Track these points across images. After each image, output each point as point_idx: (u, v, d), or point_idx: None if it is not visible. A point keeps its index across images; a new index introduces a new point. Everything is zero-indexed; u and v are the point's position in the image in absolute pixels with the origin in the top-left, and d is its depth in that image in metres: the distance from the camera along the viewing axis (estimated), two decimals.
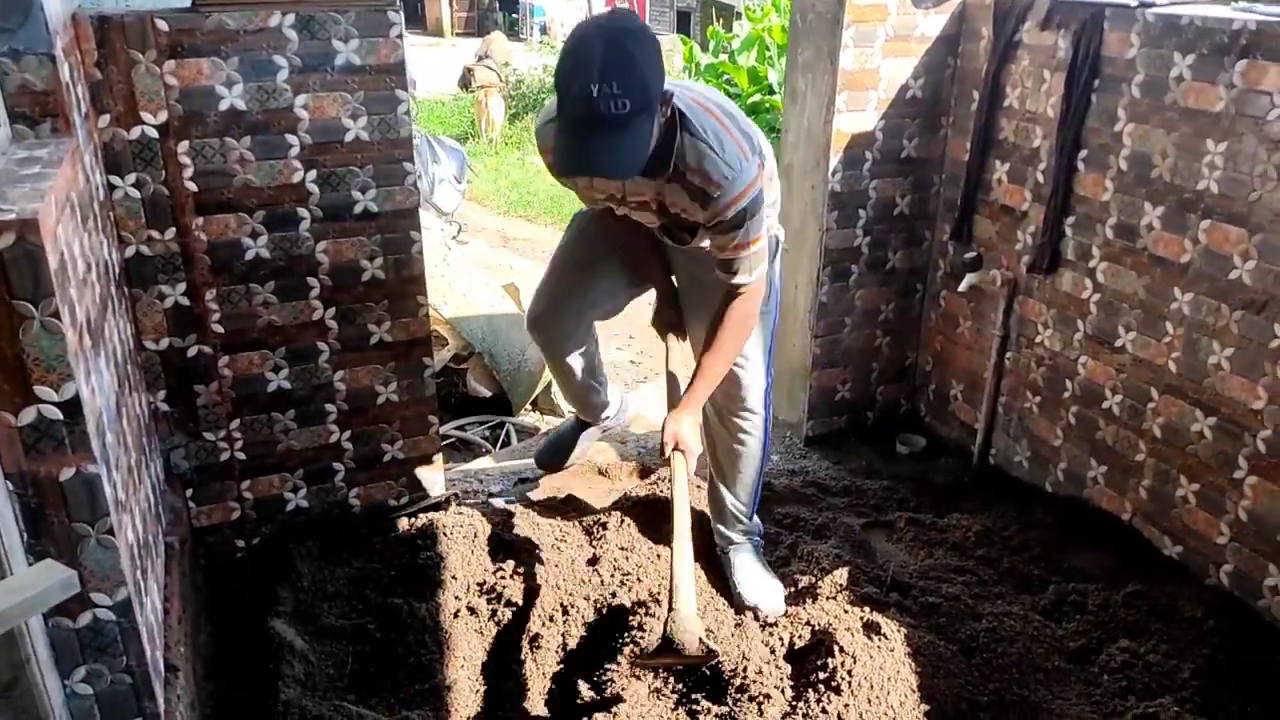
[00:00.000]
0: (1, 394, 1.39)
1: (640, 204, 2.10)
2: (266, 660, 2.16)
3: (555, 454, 2.89)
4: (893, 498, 3.09)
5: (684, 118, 1.89)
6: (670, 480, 2.22)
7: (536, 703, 2.16)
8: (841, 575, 2.51)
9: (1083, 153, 2.78)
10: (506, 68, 13.00)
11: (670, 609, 2.01)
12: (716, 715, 2.13)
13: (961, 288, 3.18)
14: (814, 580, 2.53)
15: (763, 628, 2.36)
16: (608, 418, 2.86)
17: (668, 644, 1.97)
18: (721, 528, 2.62)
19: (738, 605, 2.48)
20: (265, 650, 2.19)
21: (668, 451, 2.20)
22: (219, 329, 2.42)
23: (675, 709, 2.15)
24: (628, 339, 5.01)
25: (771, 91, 8.54)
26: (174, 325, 2.37)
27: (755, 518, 2.65)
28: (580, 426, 2.87)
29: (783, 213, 3.40)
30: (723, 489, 2.57)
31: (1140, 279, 2.66)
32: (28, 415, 1.41)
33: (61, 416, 1.43)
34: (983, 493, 3.11)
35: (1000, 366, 3.16)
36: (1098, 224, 2.76)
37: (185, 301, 2.37)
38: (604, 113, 1.68)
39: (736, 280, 2.07)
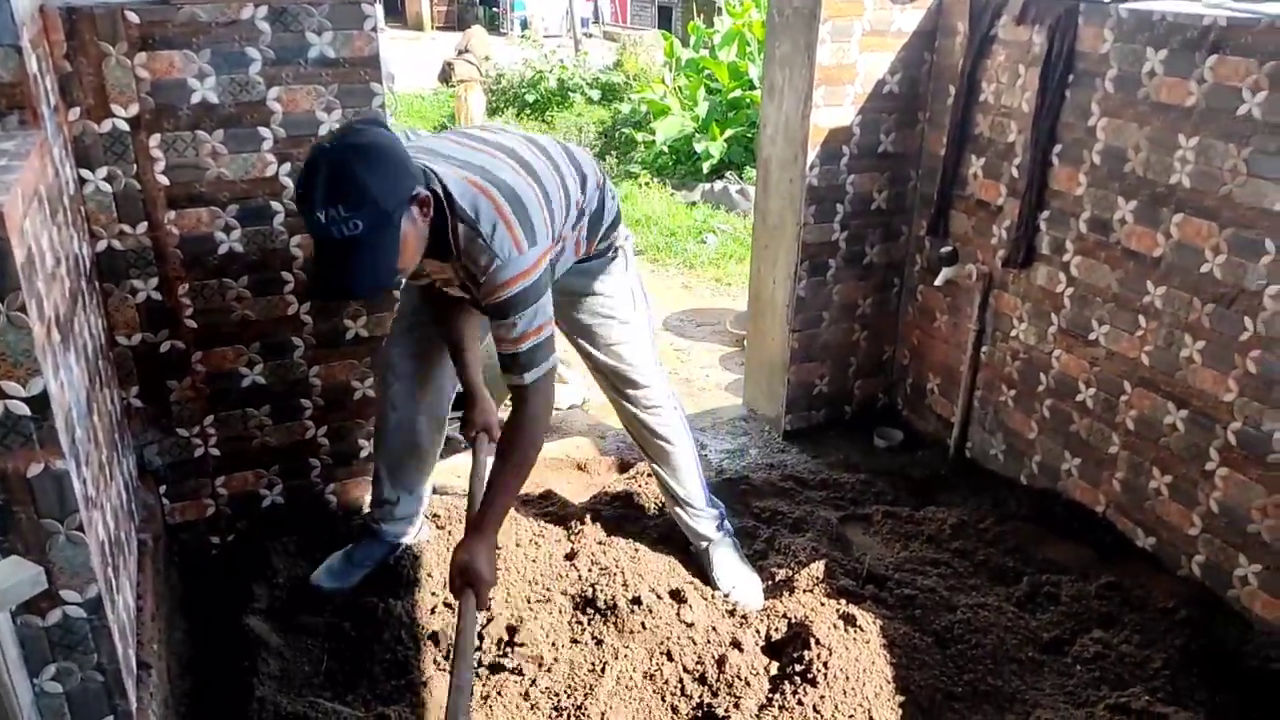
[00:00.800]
0: None
1: (445, 281, 2.07)
2: (242, 657, 2.15)
3: (336, 575, 2.48)
4: (870, 491, 3.10)
5: (453, 203, 1.84)
6: (457, 618, 1.87)
7: (515, 697, 2.16)
8: (818, 568, 2.52)
9: (1057, 147, 2.80)
10: (487, 62, 12.95)
11: None
12: (694, 706, 2.14)
13: (938, 282, 3.19)
14: (791, 573, 2.54)
15: (741, 621, 2.37)
16: (401, 539, 2.55)
17: None
18: (683, 515, 2.58)
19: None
20: (240, 647, 2.18)
21: (456, 585, 1.92)
22: (192, 324, 2.40)
23: (654, 701, 2.15)
24: None
25: (752, 87, 8.52)
26: (146, 320, 2.35)
27: (713, 501, 2.63)
28: (369, 544, 2.53)
29: (761, 207, 3.42)
30: (665, 476, 2.56)
31: (1114, 273, 2.68)
32: None
33: (29, 412, 1.42)
34: (959, 485, 3.13)
35: (976, 360, 3.17)
36: (1072, 218, 2.78)
37: (158, 296, 2.35)
38: (337, 237, 1.67)
39: (512, 379, 1.96)
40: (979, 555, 2.69)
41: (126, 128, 2.20)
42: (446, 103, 11.63)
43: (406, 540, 2.56)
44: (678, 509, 2.60)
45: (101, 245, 2.25)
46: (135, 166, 2.23)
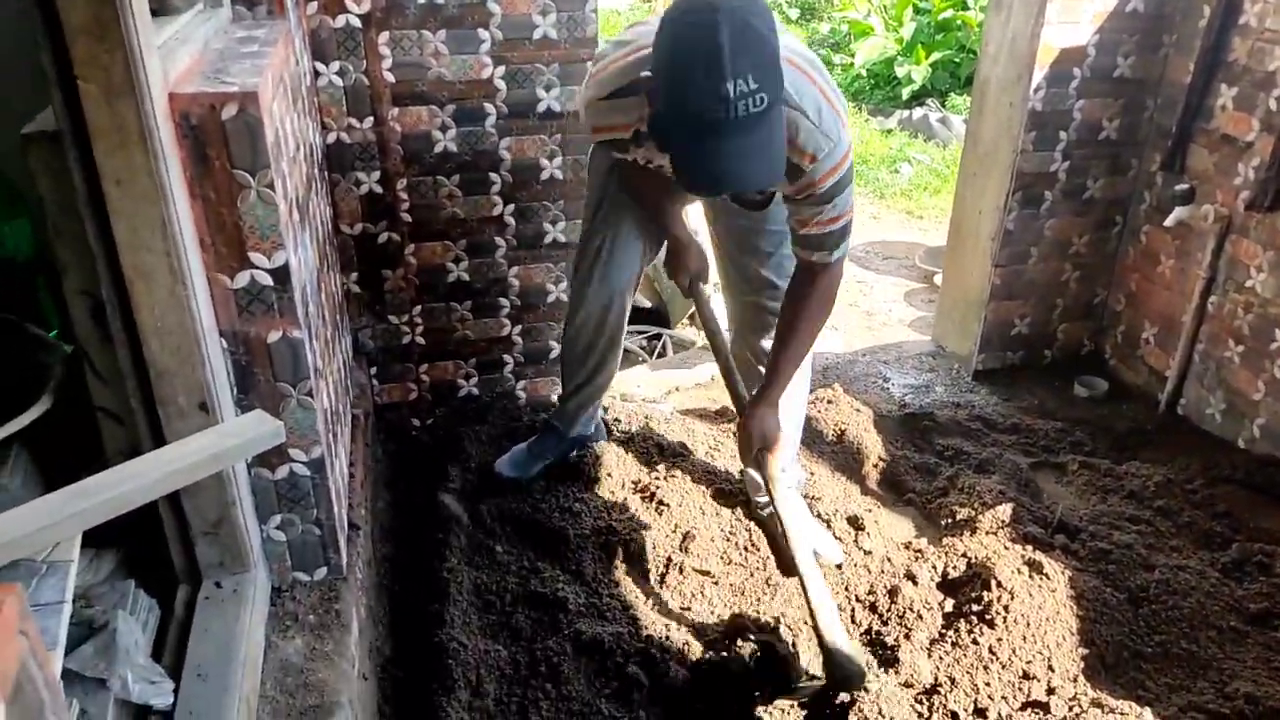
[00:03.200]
0: (220, 257, 1.50)
1: None
2: (435, 530, 2.30)
3: (517, 465, 2.52)
4: (1066, 440, 2.94)
5: None
6: (768, 489, 2.02)
7: (685, 597, 2.21)
8: (1004, 511, 2.42)
9: None
10: None
11: (824, 645, 1.83)
12: (863, 633, 2.14)
13: (1168, 222, 2.93)
14: (973, 514, 2.45)
15: (916, 555, 2.32)
16: (588, 434, 2.58)
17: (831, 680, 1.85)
18: (757, 476, 2.32)
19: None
20: (434, 521, 2.34)
21: (753, 451, 2.00)
22: (408, 218, 2.53)
23: None
24: None
25: (965, 7, 7.99)
26: (367, 211, 2.49)
27: (795, 467, 2.47)
28: (549, 440, 2.55)
29: (973, 131, 3.23)
30: None
31: None
32: (242, 279, 1.52)
33: (271, 283, 1.54)
34: (1167, 443, 2.92)
35: (1202, 310, 2.92)
36: None
37: (379, 189, 2.48)
38: (741, 115, 1.43)
39: (817, 258, 1.86)
40: (1184, 516, 2.52)
41: (359, 24, 2.30)
42: (642, 18, 11.54)
43: (585, 435, 2.59)
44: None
45: (331, 137, 2.39)
46: (365, 62, 2.34)
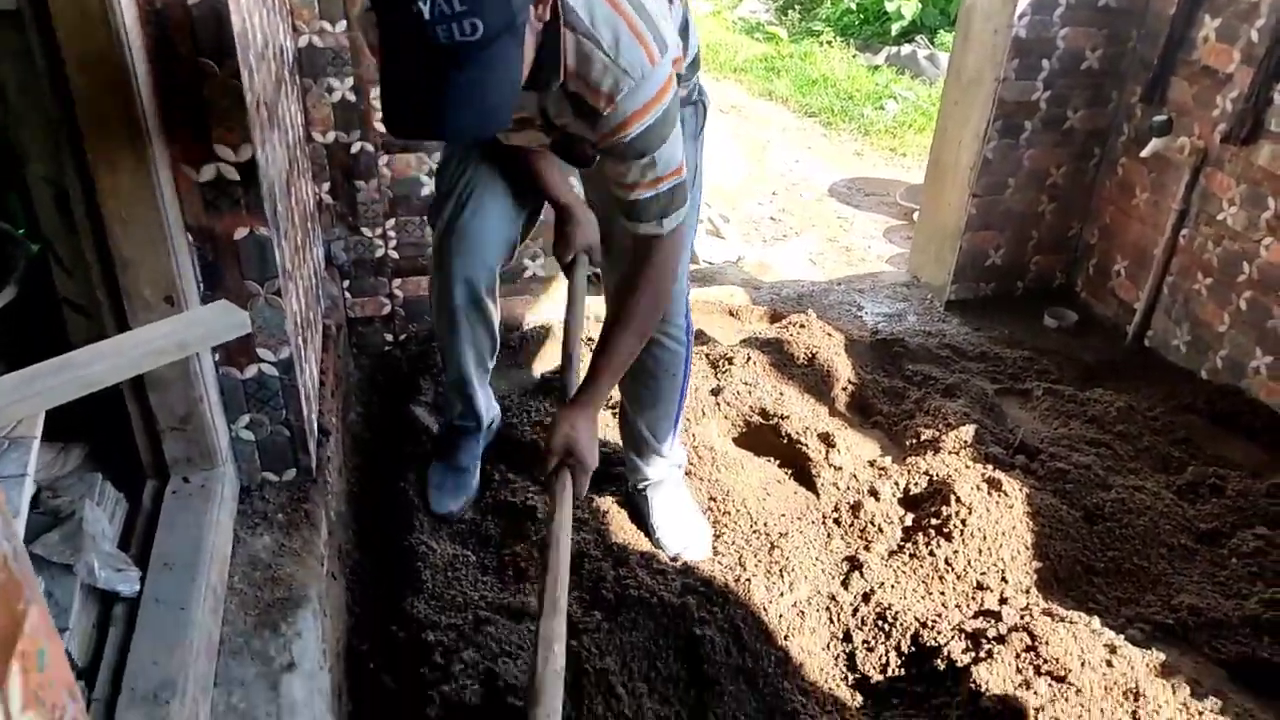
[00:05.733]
0: (185, 149, 1.48)
1: (520, 121, 1.56)
2: (405, 440, 2.32)
3: (457, 490, 2.17)
4: (1033, 368, 2.98)
5: (567, 6, 1.37)
6: (553, 503, 1.55)
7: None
8: (967, 433, 2.47)
9: None
10: None
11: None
12: (825, 544, 2.18)
13: (1145, 153, 2.94)
14: (937, 434, 2.49)
15: (880, 472, 2.36)
16: (493, 423, 2.27)
17: None
18: (635, 458, 2.16)
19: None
20: (405, 431, 2.35)
21: (553, 464, 1.61)
22: (380, 128, 2.49)
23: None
24: (770, 194, 4.89)
25: None
26: (340, 119, 2.45)
27: (676, 447, 2.19)
28: (461, 442, 2.19)
29: (956, 61, 3.21)
30: (636, 420, 2.10)
31: None
32: (208, 172, 1.50)
33: (238, 178, 1.52)
34: (1132, 374, 2.97)
35: (1173, 243, 2.95)
36: None
37: (352, 97, 2.44)
38: (443, 42, 1.14)
39: (644, 229, 1.56)
40: (1143, 441, 2.57)
41: None
42: None
43: (494, 415, 2.29)
44: (632, 454, 2.16)
45: (303, 41, 2.34)
46: None
